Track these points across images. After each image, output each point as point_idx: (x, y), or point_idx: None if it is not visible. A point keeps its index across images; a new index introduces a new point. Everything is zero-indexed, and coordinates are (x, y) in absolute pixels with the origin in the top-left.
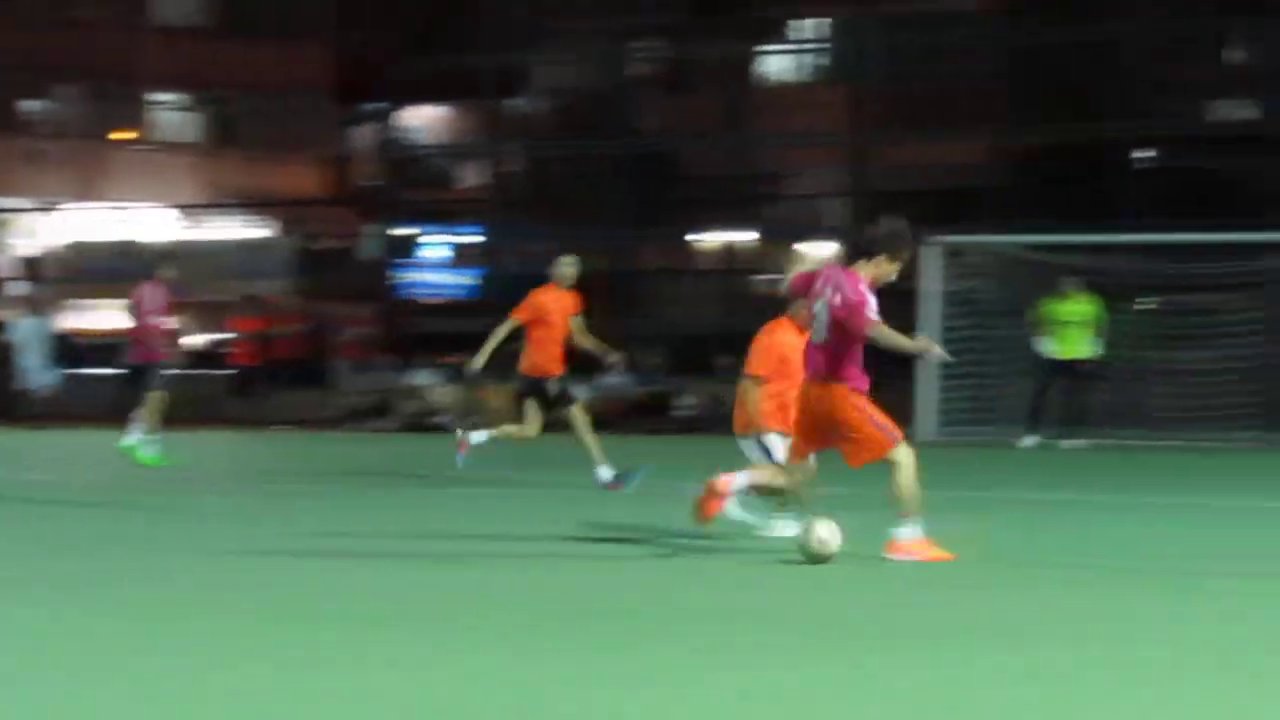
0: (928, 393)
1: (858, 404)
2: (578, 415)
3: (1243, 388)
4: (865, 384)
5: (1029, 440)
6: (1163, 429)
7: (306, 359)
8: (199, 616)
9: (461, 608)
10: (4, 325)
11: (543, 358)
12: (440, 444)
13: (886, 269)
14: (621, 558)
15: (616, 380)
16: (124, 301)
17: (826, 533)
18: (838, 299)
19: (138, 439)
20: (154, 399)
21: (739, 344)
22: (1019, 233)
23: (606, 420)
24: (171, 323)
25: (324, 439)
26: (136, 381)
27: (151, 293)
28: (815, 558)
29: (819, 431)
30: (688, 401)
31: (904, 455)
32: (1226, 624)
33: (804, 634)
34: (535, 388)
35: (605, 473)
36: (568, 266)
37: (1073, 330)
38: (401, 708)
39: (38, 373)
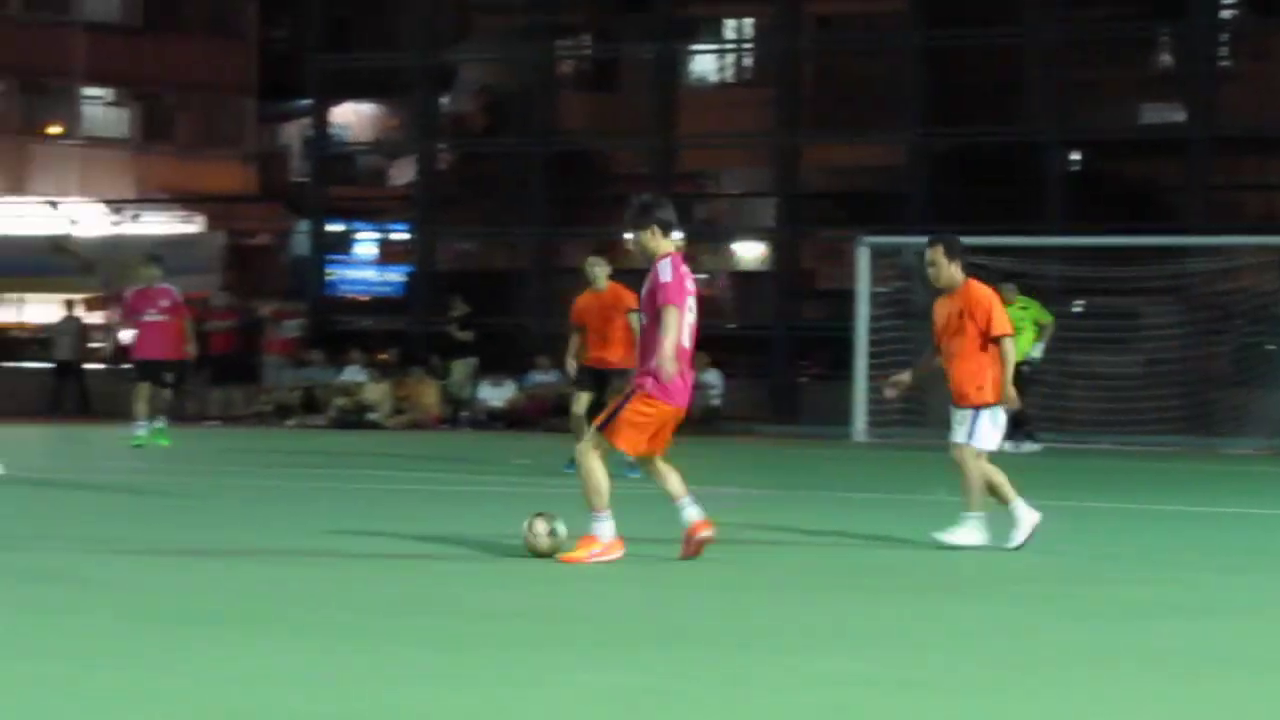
0: (860, 394)
1: None
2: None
3: (1165, 392)
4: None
5: (1029, 446)
6: (1087, 433)
7: (236, 355)
8: (63, 615)
9: (301, 606)
10: None
11: (595, 351)
12: (369, 439)
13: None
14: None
15: (545, 378)
16: (67, 297)
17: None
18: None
19: (151, 429)
20: (141, 391)
21: None
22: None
23: (528, 419)
24: (165, 321)
25: (254, 434)
26: (148, 377)
27: (145, 294)
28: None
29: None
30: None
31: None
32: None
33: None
34: (587, 377)
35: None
36: (590, 266)
37: (1016, 335)
38: (223, 709)
39: None
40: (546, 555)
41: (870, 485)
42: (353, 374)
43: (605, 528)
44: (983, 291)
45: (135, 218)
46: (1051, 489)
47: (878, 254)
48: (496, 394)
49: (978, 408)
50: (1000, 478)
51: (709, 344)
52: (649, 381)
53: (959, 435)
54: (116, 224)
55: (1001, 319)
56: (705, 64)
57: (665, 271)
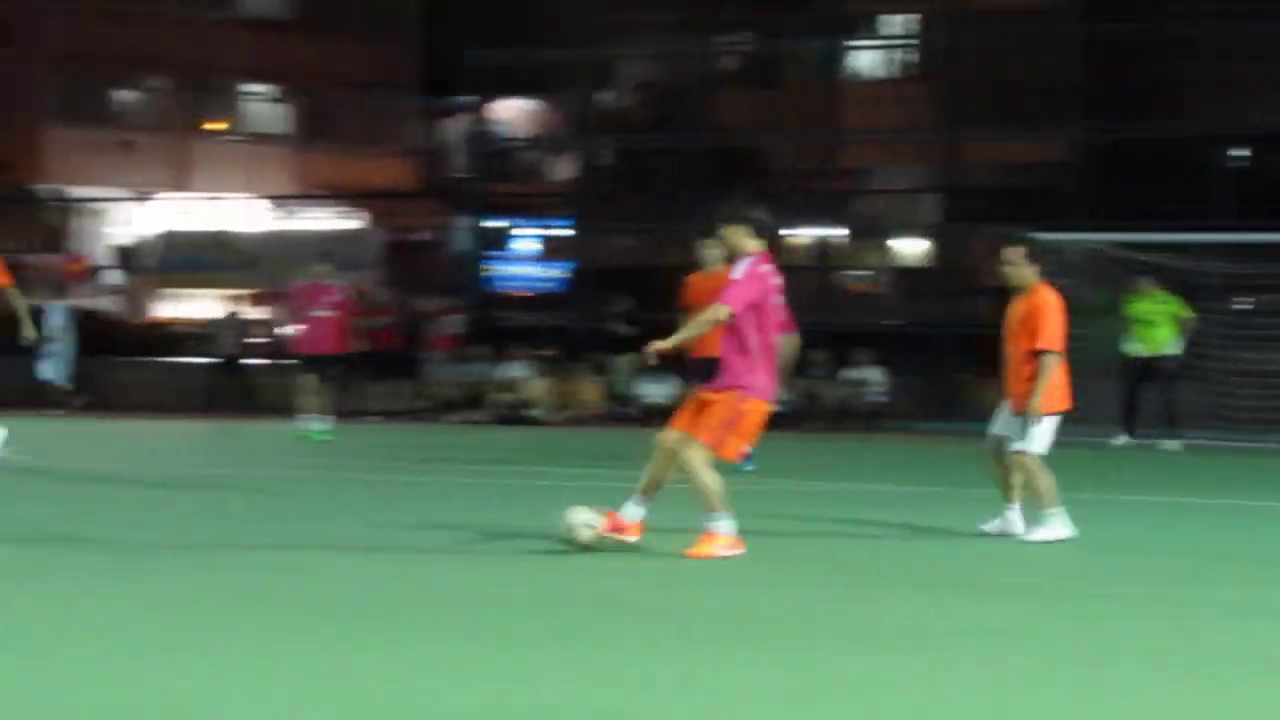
0: None
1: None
2: None
3: None
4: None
5: (1120, 439)
6: (1253, 431)
7: (399, 350)
8: (203, 607)
9: (433, 604)
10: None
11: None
12: (530, 435)
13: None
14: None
15: None
16: (232, 292)
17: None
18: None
19: (319, 425)
20: (308, 385)
21: (831, 340)
22: (1106, 231)
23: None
24: (332, 316)
25: (413, 430)
26: (314, 371)
27: (313, 289)
28: (580, 545)
29: None
30: (779, 397)
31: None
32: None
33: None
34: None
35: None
36: (706, 249)
37: (1153, 328)
38: (357, 706)
39: (46, 362)
40: (589, 548)
41: None
42: (515, 369)
43: (725, 524)
44: (1047, 300)
45: (296, 214)
46: (1197, 486)
47: (1040, 251)
48: (658, 390)
49: (1036, 415)
50: (1017, 479)
51: (871, 340)
52: (752, 382)
53: (1017, 443)
54: (278, 220)
55: (1052, 333)
56: (866, 60)
57: (739, 269)
